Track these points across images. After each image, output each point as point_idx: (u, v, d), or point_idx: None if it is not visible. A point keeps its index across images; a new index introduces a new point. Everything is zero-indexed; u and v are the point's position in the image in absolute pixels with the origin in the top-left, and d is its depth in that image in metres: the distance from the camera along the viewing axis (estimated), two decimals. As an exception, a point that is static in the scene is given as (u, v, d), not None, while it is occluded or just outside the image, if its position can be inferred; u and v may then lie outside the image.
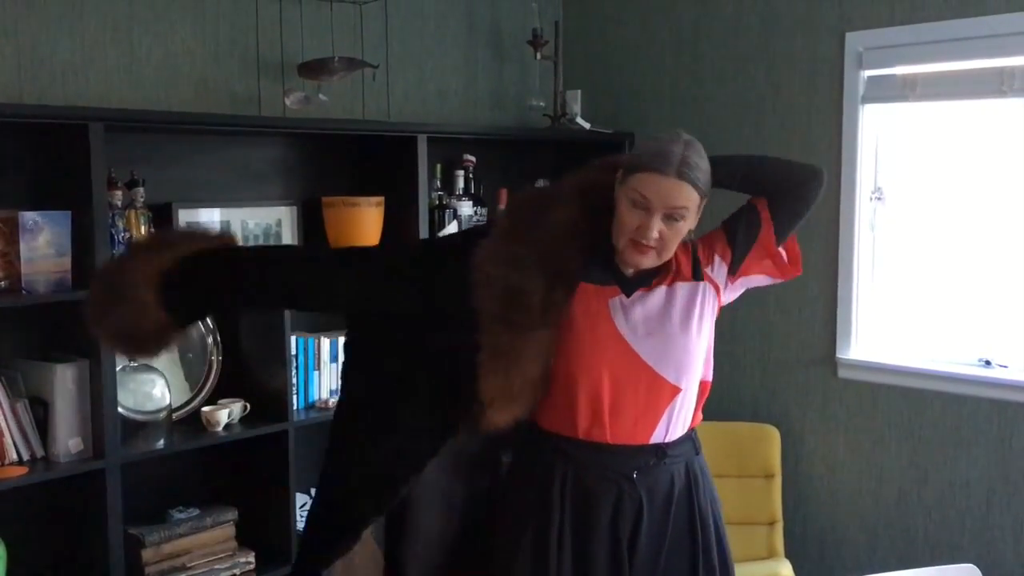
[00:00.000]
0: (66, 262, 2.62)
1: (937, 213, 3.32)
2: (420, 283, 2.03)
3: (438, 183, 3.54)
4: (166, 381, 2.92)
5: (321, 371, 3.27)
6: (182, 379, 3.09)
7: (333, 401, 3.24)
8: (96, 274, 2.27)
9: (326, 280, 2.12)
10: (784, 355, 3.62)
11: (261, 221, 3.22)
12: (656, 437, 2.01)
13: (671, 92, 3.84)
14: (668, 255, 1.97)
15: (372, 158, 3.41)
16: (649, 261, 1.96)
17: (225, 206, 3.11)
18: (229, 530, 3.05)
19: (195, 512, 2.99)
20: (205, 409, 3.00)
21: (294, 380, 3.14)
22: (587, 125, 3.85)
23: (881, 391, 3.40)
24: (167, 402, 2.91)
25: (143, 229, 2.80)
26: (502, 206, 3.69)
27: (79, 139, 2.56)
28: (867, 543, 3.46)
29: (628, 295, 2.00)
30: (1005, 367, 3.18)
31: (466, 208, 3.57)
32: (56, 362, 2.66)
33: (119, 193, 2.77)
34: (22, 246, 2.56)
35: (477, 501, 2.14)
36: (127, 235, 2.75)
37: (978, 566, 2.73)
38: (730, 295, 2.10)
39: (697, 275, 2.03)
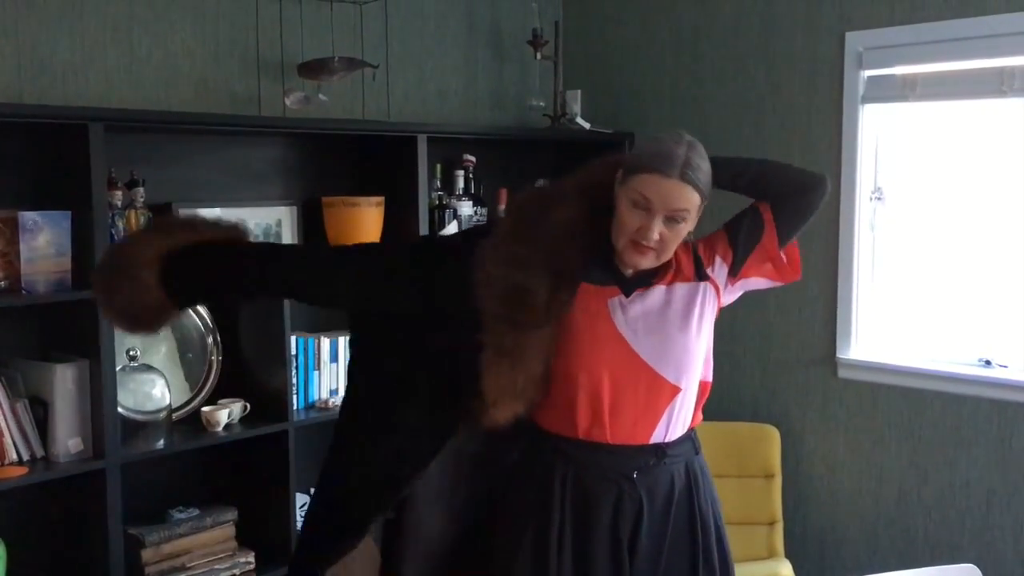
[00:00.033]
0: (66, 262, 2.62)
1: (937, 213, 3.32)
2: (420, 283, 2.03)
3: (438, 183, 3.54)
4: (166, 381, 2.92)
5: (321, 371, 3.27)
6: (182, 379, 3.09)
7: (333, 401, 3.25)
8: (107, 248, 2.33)
9: (326, 280, 2.13)
10: (784, 355, 3.62)
11: (261, 221, 3.22)
12: (656, 437, 2.01)
13: (671, 92, 3.84)
14: (667, 256, 1.97)
15: (372, 158, 3.41)
16: (648, 262, 1.96)
17: (225, 206, 3.11)
18: (229, 530, 3.05)
19: (195, 512, 2.99)
20: (205, 409, 3.00)
21: (294, 380, 3.14)
22: (587, 125, 3.85)
23: (881, 391, 3.40)
24: (167, 402, 2.91)
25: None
26: (502, 206, 3.69)
27: (79, 139, 2.56)
28: (867, 543, 3.46)
29: (627, 295, 2.00)
30: (1005, 367, 3.18)
31: (466, 208, 3.57)
32: (56, 362, 2.66)
33: (119, 193, 2.77)
34: (22, 246, 2.56)
35: (478, 501, 2.14)
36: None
37: (978, 566, 2.72)
38: (729, 297, 2.10)
39: (701, 275, 2.03)
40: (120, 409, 2.74)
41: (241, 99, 3.15)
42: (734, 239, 2.05)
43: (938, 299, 3.33)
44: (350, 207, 3.20)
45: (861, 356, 3.44)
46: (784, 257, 2.07)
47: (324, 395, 3.27)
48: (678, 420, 2.03)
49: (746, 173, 2.05)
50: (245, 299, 2.52)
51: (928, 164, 3.33)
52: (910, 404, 3.34)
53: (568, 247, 1.95)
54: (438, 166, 3.54)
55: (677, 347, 1.99)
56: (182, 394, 3.07)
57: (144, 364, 2.90)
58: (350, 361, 2.22)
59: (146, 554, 2.86)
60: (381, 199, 3.27)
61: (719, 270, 2.05)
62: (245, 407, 3.05)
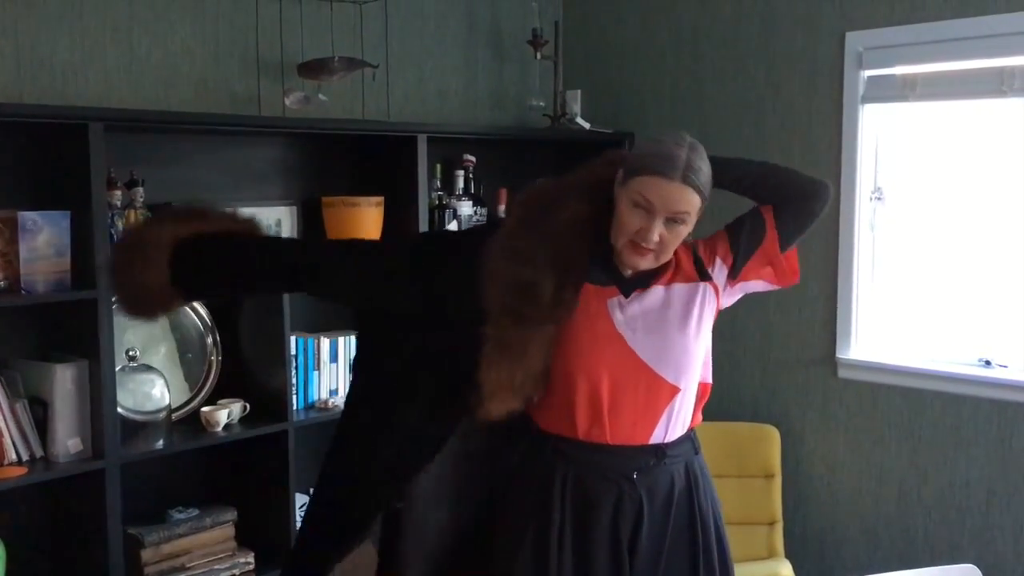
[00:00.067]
0: (65, 262, 2.62)
1: (937, 213, 3.32)
2: (420, 283, 2.03)
3: (438, 183, 3.54)
4: (165, 381, 2.92)
5: (321, 371, 3.26)
6: (181, 379, 3.09)
7: (333, 401, 3.25)
8: (129, 227, 2.42)
9: (327, 278, 2.15)
10: (784, 355, 3.62)
11: (261, 221, 3.21)
12: (656, 437, 2.00)
13: (671, 92, 3.84)
14: (666, 257, 1.97)
15: (372, 158, 3.41)
16: (647, 263, 1.95)
17: (225, 206, 3.11)
18: (228, 530, 3.05)
19: (194, 512, 2.99)
20: (205, 409, 3.00)
21: (294, 380, 3.14)
22: (587, 125, 3.85)
23: (881, 391, 3.40)
24: (166, 402, 2.90)
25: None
26: (502, 206, 3.69)
27: (79, 139, 2.56)
28: (867, 543, 3.46)
29: (626, 295, 2.00)
30: (1005, 367, 3.18)
31: (466, 208, 3.57)
32: (55, 362, 2.66)
33: (118, 193, 2.77)
34: (21, 246, 2.56)
35: (478, 501, 2.14)
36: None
37: (978, 566, 2.73)
38: (728, 299, 2.09)
39: (703, 275, 2.03)
40: (120, 409, 2.74)
41: (241, 99, 3.14)
42: (735, 241, 2.05)
43: (938, 299, 3.33)
44: (350, 207, 3.20)
45: (861, 356, 3.44)
46: (784, 261, 2.07)
47: (324, 395, 3.27)
48: (677, 420, 2.03)
49: (749, 175, 2.05)
50: (247, 291, 2.50)
51: (928, 164, 3.32)
52: (910, 404, 3.34)
53: (573, 245, 1.95)
54: (438, 166, 3.54)
55: (676, 347, 1.99)
56: (182, 394, 3.07)
57: (143, 364, 2.90)
58: (354, 360, 2.23)
59: (145, 554, 2.86)
60: (381, 199, 3.27)
61: (719, 271, 2.05)
62: (245, 407, 3.04)
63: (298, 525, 3.05)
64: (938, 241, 3.32)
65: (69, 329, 2.72)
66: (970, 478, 3.23)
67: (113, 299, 2.37)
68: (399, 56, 3.55)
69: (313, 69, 3.17)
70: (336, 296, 2.21)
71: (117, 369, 2.73)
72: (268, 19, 3.18)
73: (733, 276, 2.06)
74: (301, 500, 3.19)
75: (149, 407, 2.86)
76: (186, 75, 3.03)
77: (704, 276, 2.03)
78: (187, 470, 3.12)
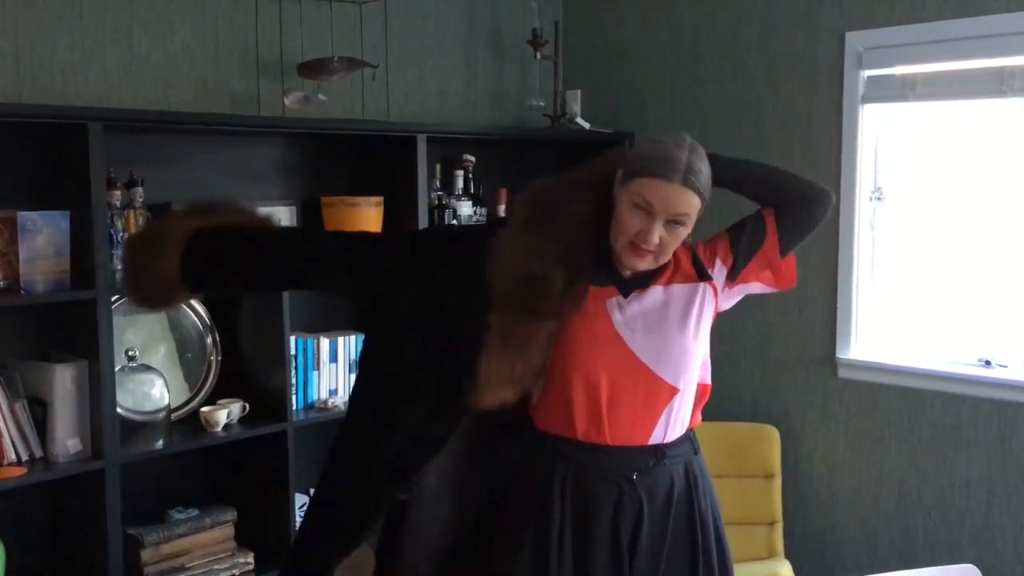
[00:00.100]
0: (65, 262, 2.62)
1: (937, 213, 3.32)
2: (420, 282, 2.03)
3: (438, 183, 3.54)
4: (165, 381, 2.92)
5: (320, 371, 3.26)
6: (181, 379, 3.09)
7: (332, 401, 3.25)
8: (147, 222, 2.47)
9: (327, 278, 2.18)
10: (784, 355, 3.62)
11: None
12: (655, 438, 2.00)
13: (671, 92, 3.84)
14: (665, 259, 1.97)
15: (372, 158, 3.41)
16: (646, 264, 1.95)
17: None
18: (228, 530, 3.05)
19: (194, 512, 2.99)
20: (204, 409, 3.00)
21: (293, 380, 3.14)
22: (587, 125, 3.85)
23: (881, 391, 3.40)
24: (166, 402, 2.90)
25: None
26: (502, 206, 3.69)
27: (78, 139, 2.55)
28: (867, 543, 3.46)
29: (625, 295, 2.00)
30: (1005, 367, 3.18)
31: (466, 208, 3.57)
32: (55, 362, 2.66)
33: (118, 193, 2.77)
34: (21, 246, 2.56)
35: (478, 502, 2.14)
36: (126, 235, 2.75)
37: (978, 566, 2.73)
38: (726, 302, 2.09)
39: (702, 275, 2.02)
40: (119, 409, 2.74)
41: (241, 99, 3.14)
42: (736, 243, 2.05)
43: (938, 299, 3.33)
44: (350, 207, 3.20)
45: (861, 356, 3.44)
46: (783, 265, 2.07)
47: (323, 395, 3.27)
48: (677, 421, 2.02)
49: (752, 176, 2.06)
50: (251, 285, 2.47)
51: (928, 164, 3.32)
52: (910, 404, 3.34)
53: (581, 242, 1.95)
54: (438, 166, 3.54)
55: (675, 348, 1.99)
56: (181, 394, 3.07)
57: (143, 364, 2.90)
58: (359, 359, 2.24)
59: (145, 554, 2.86)
60: (380, 199, 3.27)
61: (718, 272, 2.05)
62: (244, 407, 3.04)
63: (298, 525, 3.06)
64: (938, 241, 3.32)
65: (69, 329, 2.72)
66: (970, 478, 3.23)
67: (123, 286, 2.39)
68: (399, 56, 3.55)
69: (313, 69, 3.17)
70: (338, 294, 2.23)
71: (117, 369, 2.73)
72: (268, 19, 3.18)
73: (732, 278, 2.06)
74: (301, 500, 3.19)
75: (149, 407, 2.86)
76: (186, 75, 3.03)
77: (704, 276, 2.03)
78: (187, 470, 3.12)
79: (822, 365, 3.52)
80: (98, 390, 2.65)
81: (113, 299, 2.75)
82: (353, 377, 3.30)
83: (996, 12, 3.06)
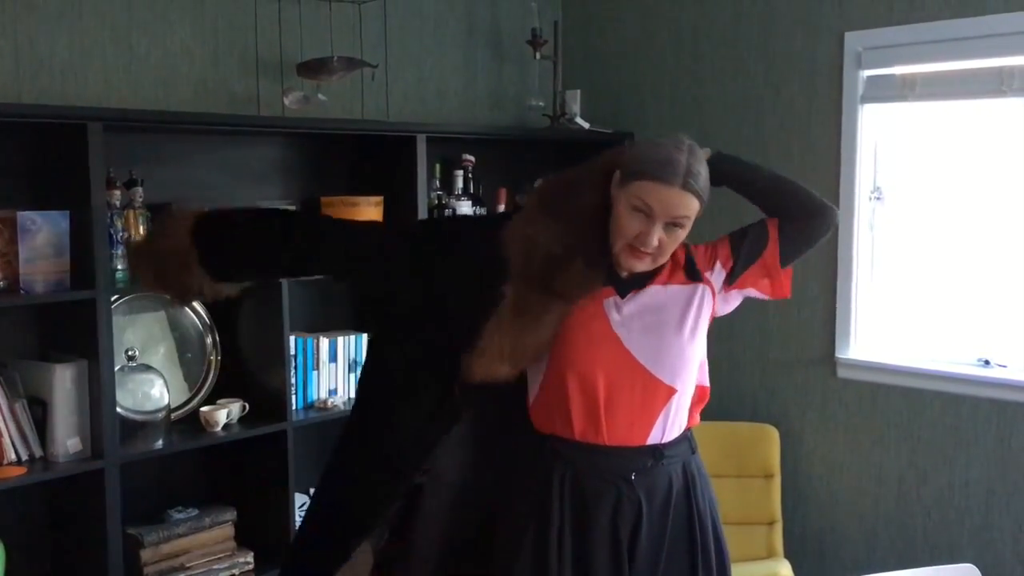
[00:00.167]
0: (65, 262, 2.62)
1: (936, 213, 3.32)
2: (420, 280, 2.03)
3: (437, 183, 3.54)
4: (165, 381, 2.92)
5: (320, 371, 3.26)
6: (181, 379, 3.09)
7: (332, 401, 3.25)
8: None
9: (327, 268, 2.26)
10: (783, 355, 3.62)
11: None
12: (653, 438, 2.00)
13: (671, 92, 3.84)
14: (663, 260, 1.98)
15: (371, 158, 3.41)
16: (644, 266, 1.96)
17: (224, 206, 3.11)
18: (228, 530, 3.06)
19: (194, 512, 2.99)
20: (204, 409, 3.00)
21: (293, 380, 3.14)
22: (586, 125, 3.85)
23: (880, 391, 3.40)
24: (166, 402, 2.90)
25: (142, 229, 2.79)
26: (501, 206, 3.69)
27: (78, 139, 2.55)
28: (866, 543, 3.46)
29: (622, 295, 2.00)
30: (1004, 367, 3.18)
31: (465, 208, 3.57)
32: (55, 362, 2.66)
33: (118, 193, 2.77)
34: (21, 246, 2.56)
35: (480, 500, 2.14)
36: (125, 235, 2.75)
37: (977, 566, 2.73)
38: (723, 305, 2.10)
39: (693, 275, 2.03)
40: (119, 409, 2.74)
41: (240, 99, 3.14)
42: (737, 247, 2.05)
43: (937, 299, 3.33)
44: (349, 207, 3.19)
45: (860, 356, 3.44)
46: (781, 275, 2.07)
47: (323, 395, 3.27)
48: (675, 421, 2.03)
49: (760, 181, 2.07)
50: (256, 266, 2.44)
51: (927, 164, 3.32)
52: (909, 404, 3.34)
53: (593, 231, 1.95)
54: (437, 166, 3.54)
55: (672, 348, 1.99)
56: (181, 394, 3.07)
57: (143, 364, 2.90)
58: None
59: (145, 554, 2.86)
60: (380, 199, 3.27)
61: (717, 275, 2.06)
62: (244, 407, 3.04)
63: (298, 525, 3.06)
64: (937, 241, 3.32)
65: (68, 329, 2.72)
66: (969, 478, 3.23)
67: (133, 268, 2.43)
68: (398, 56, 3.55)
69: (312, 69, 3.17)
70: (342, 282, 2.27)
71: (116, 369, 2.73)
72: (267, 19, 3.18)
73: (730, 282, 2.06)
74: (301, 500, 3.19)
75: (148, 407, 2.86)
76: (185, 75, 3.03)
77: (694, 277, 2.03)
78: (186, 470, 3.12)
79: (821, 365, 3.52)
80: (98, 390, 2.65)
81: (113, 299, 2.75)
82: (353, 377, 3.32)
83: (995, 12, 3.06)
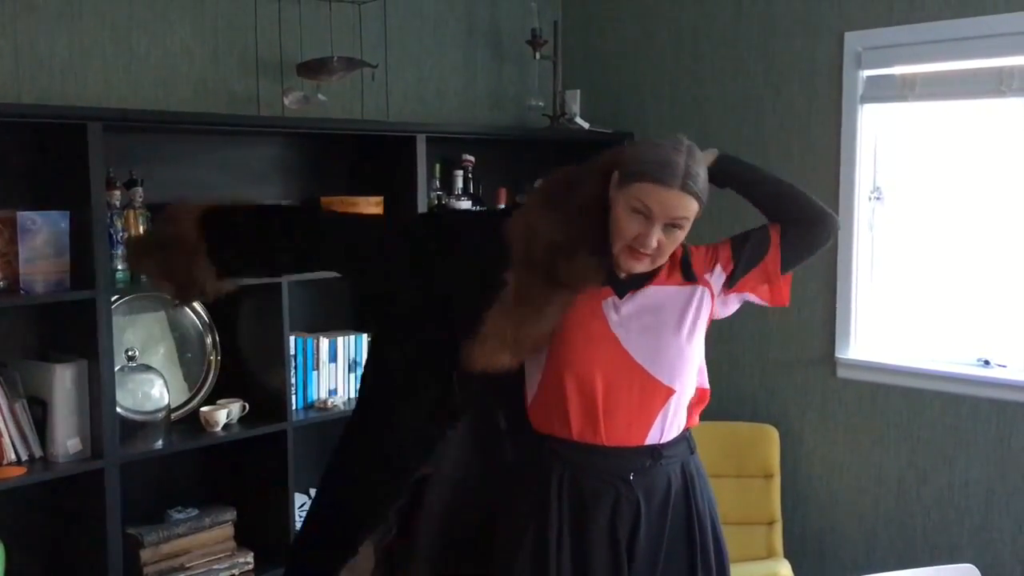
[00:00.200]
0: (64, 262, 2.62)
1: (936, 213, 3.32)
2: (420, 277, 2.03)
3: (437, 183, 3.54)
4: (164, 381, 2.92)
5: (320, 371, 3.26)
6: (181, 379, 3.09)
7: (332, 401, 3.25)
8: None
9: (327, 266, 2.24)
10: (783, 355, 3.62)
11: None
12: (651, 438, 2.01)
13: (671, 92, 3.84)
14: (662, 261, 1.98)
15: (371, 158, 3.41)
16: (643, 267, 1.96)
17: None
18: (228, 530, 3.06)
19: (194, 512, 2.99)
20: (204, 409, 3.00)
21: (293, 380, 3.14)
22: (586, 125, 3.85)
23: (880, 391, 3.40)
24: (166, 402, 2.90)
25: (141, 229, 2.79)
26: (501, 206, 3.69)
27: (77, 139, 2.55)
28: (866, 543, 3.46)
29: (620, 296, 2.00)
30: (1004, 367, 3.18)
31: (465, 208, 3.57)
32: (55, 362, 2.66)
33: (117, 193, 2.77)
34: (21, 246, 2.56)
35: (479, 504, 2.14)
36: (125, 235, 2.75)
37: (977, 566, 2.72)
38: (721, 308, 2.10)
39: (688, 276, 2.03)
40: (119, 409, 2.74)
41: (240, 99, 3.14)
42: (738, 251, 2.06)
43: (937, 299, 3.33)
44: (349, 207, 3.19)
45: (860, 356, 3.44)
46: (780, 282, 2.08)
47: (323, 395, 3.27)
48: (674, 422, 2.03)
49: (763, 184, 2.07)
50: (255, 258, 2.44)
51: (927, 164, 3.32)
52: (909, 404, 3.34)
53: (594, 224, 1.95)
54: (437, 166, 3.54)
55: (671, 349, 1.99)
56: (181, 394, 3.07)
57: (143, 364, 2.90)
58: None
59: (145, 554, 2.86)
60: (380, 199, 3.27)
61: (717, 278, 2.06)
62: (244, 407, 3.04)
63: (298, 525, 3.07)
64: (937, 241, 3.32)
65: (68, 329, 2.72)
66: (969, 478, 3.23)
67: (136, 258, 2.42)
68: (398, 56, 3.55)
69: (312, 69, 3.17)
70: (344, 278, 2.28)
71: (116, 369, 2.73)
72: (267, 19, 3.18)
73: (729, 285, 2.07)
74: (300, 500, 3.19)
75: (148, 407, 2.86)
76: (185, 75, 3.03)
77: (688, 277, 2.03)
78: (186, 470, 3.12)
79: (821, 365, 3.52)
80: (98, 390, 2.65)
81: (113, 299, 2.75)
82: (353, 377, 3.32)
83: (995, 12, 3.06)
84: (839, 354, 3.46)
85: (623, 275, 2.00)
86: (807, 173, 3.42)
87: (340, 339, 3.31)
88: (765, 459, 3.50)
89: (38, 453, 2.65)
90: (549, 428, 2.04)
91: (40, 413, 2.65)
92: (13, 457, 2.60)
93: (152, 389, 2.88)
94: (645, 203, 1.88)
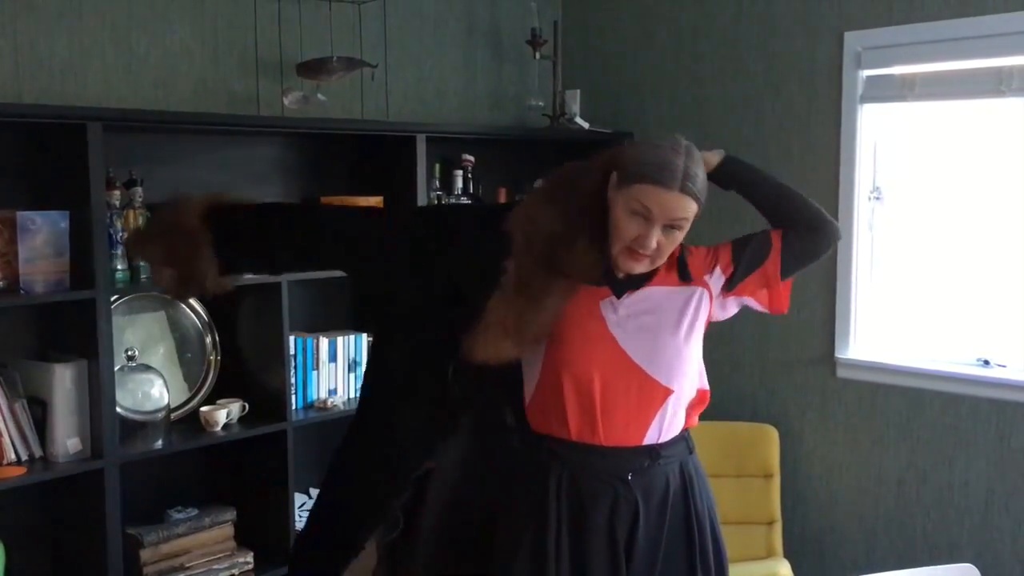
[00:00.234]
0: (64, 262, 2.62)
1: (935, 213, 3.32)
2: (420, 277, 2.03)
3: (437, 183, 3.54)
4: (164, 381, 2.92)
5: (320, 371, 3.27)
6: (180, 379, 3.09)
7: (332, 401, 3.25)
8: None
9: (328, 265, 2.27)
10: (783, 355, 3.62)
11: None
12: (649, 438, 2.01)
13: (670, 92, 3.84)
14: (661, 262, 1.98)
15: (371, 158, 3.41)
16: (642, 268, 1.96)
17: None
18: (228, 530, 3.06)
19: (194, 512, 2.99)
20: (204, 409, 3.00)
21: (293, 380, 3.14)
22: (586, 125, 3.85)
23: (880, 391, 3.40)
24: (165, 402, 2.90)
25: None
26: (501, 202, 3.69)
27: (77, 139, 2.55)
28: (866, 543, 3.46)
29: (618, 296, 2.00)
30: (1004, 367, 3.18)
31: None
32: (54, 362, 2.66)
33: (117, 193, 2.78)
34: (20, 246, 2.56)
35: (478, 505, 2.14)
36: (125, 235, 2.75)
37: (976, 566, 2.73)
38: (720, 311, 2.10)
39: (683, 276, 2.03)
40: (119, 409, 2.74)
41: (239, 99, 3.14)
42: (738, 254, 2.06)
43: (937, 299, 3.33)
44: (349, 207, 3.20)
45: (860, 356, 3.44)
46: (780, 288, 2.08)
47: (323, 395, 3.27)
48: (672, 422, 2.03)
49: (765, 186, 2.08)
50: (256, 256, 2.44)
51: (927, 164, 3.33)
52: (909, 404, 3.34)
53: (594, 217, 1.95)
54: (437, 166, 3.54)
55: (668, 349, 1.99)
56: (181, 394, 3.07)
57: (142, 364, 2.90)
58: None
59: (145, 554, 2.86)
60: (380, 199, 3.27)
61: (716, 280, 2.06)
62: (244, 407, 3.04)
63: (297, 525, 3.07)
64: (937, 241, 3.32)
65: (68, 329, 2.72)
66: (969, 478, 3.23)
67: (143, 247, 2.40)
68: (398, 56, 3.55)
69: (312, 69, 3.17)
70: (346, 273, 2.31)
71: (116, 369, 2.73)
72: (267, 19, 3.18)
73: (728, 288, 2.07)
74: (300, 500, 3.19)
75: (148, 407, 2.86)
76: (185, 75, 3.03)
77: (684, 278, 2.03)
78: (186, 470, 3.12)
79: (821, 365, 3.52)
80: (98, 390, 2.66)
81: (113, 299, 2.75)
82: (353, 377, 3.32)
83: (995, 12, 3.06)
84: (839, 354, 3.46)
85: (621, 275, 2.00)
86: (807, 173, 3.43)
87: (340, 339, 3.31)
88: (765, 459, 3.50)
89: (38, 453, 2.65)
90: (547, 428, 2.04)
91: (40, 413, 2.65)
92: (13, 457, 2.61)
93: (152, 389, 2.88)
94: (645, 205, 1.88)
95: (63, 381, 2.64)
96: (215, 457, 3.15)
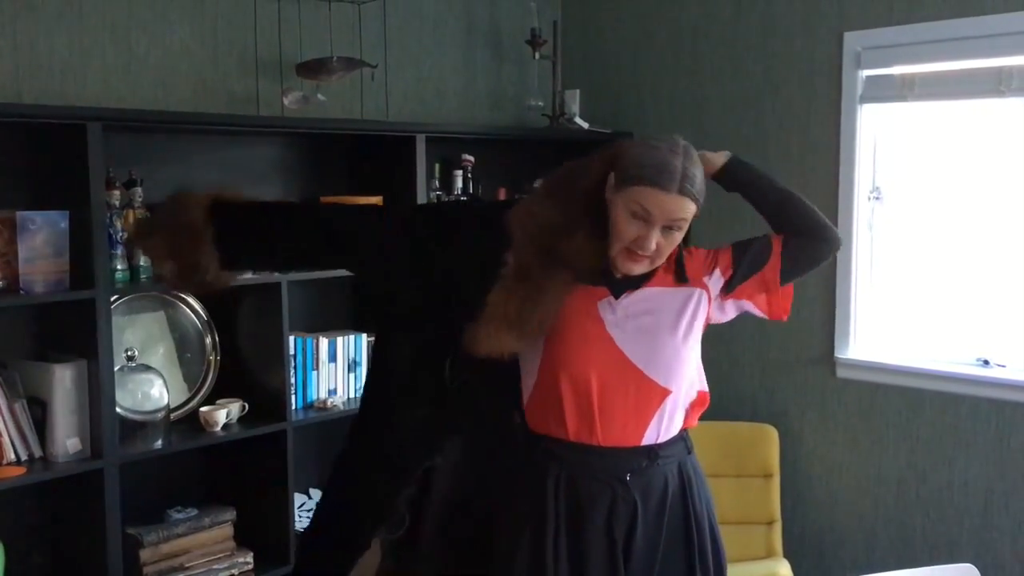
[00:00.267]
0: (64, 262, 2.62)
1: (935, 213, 3.32)
2: (420, 277, 2.03)
3: (436, 183, 3.54)
4: (164, 381, 2.92)
5: (319, 371, 3.26)
6: (180, 379, 3.09)
7: (331, 401, 3.25)
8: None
9: (330, 264, 2.29)
10: (782, 355, 3.62)
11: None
12: (647, 439, 2.01)
13: (670, 92, 3.84)
14: (660, 263, 1.98)
15: (370, 158, 3.41)
16: (641, 268, 1.96)
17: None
18: (227, 530, 3.06)
19: (193, 512, 2.99)
20: (203, 409, 3.00)
21: (292, 380, 3.14)
22: (585, 125, 3.85)
23: (879, 391, 3.40)
24: (165, 402, 2.90)
25: (142, 227, 2.80)
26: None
27: (77, 139, 2.56)
28: (865, 543, 3.46)
29: (616, 296, 2.01)
30: (1003, 367, 3.19)
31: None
32: (54, 362, 2.66)
33: (117, 193, 2.78)
34: (20, 246, 2.56)
35: (478, 505, 2.14)
36: (125, 235, 2.75)
37: (976, 565, 2.72)
38: (718, 313, 2.09)
39: (680, 277, 2.03)
40: (118, 409, 2.74)
41: (239, 99, 3.15)
42: (738, 257, 2.06)
43: (936, 299, 3.33)
44: (348, 207, 3.20)
45: (859, 356, 3.44)
46: (780, 293, 2.08)
47: (322, 395, 3.27)
48: (670, 423, 2.03)
49: (769, 192, 2.07)
50: (256, 254, 2.43)
51: (926, 164, 3.33)
52: (908, 404, 3.34)
53: (592, 211, 1.95)
54: (436, 166, 3.55)
55: (667, 350, 1.99)
56: (180, 394, 3.07)
57: (142, 364, 2.90)
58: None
59: (144, 554, 2.86)
60: (379, 199, 3.27)
61: (715, 282, 2.06)
62: (243, 407, 3.05)
63: (297, 525, 3.07)
64: (936, 241, 3.32)
65: (68, 329, 2.72)
66: (968, 478, 3.23)
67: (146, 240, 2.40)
68: (398, 56, 3.55)
69: (312, 69, 3.17)
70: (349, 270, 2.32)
71: (116, 369, 2.73)
72: (266, 19, 3.18)
73: (727, 290, 2.06)
74: (300, 500, 3.19)
75: (148, 407, 2.86)
76: (184, 75, 3.03)
77: (681, 279, 2.03)
78: (186, 470, 3.12)
79: (821, 365, 3.52)
80: (97, 390, 2.66)
81: (112, 299, 2.75)
82: (353, 377, 3.32)
83: (994, 12, 3.06)
84: (838, 354, 3.47)
85: (619, 275, 2.00)
86: (806, 173, 3.43)
87: (340, 339, 3.31)
88: (764, 459, 3.50)
89: (38, 453, 2.65)
90: (545, 428, 2.04)
91: (40, 413, 2.65)
92: (13, 457, 2.61)
93: (152, 389, 2.88)
94: (644, 206, 1.88)
95: (63, 381, 2.64)
96: (215, 457, 3.15)
